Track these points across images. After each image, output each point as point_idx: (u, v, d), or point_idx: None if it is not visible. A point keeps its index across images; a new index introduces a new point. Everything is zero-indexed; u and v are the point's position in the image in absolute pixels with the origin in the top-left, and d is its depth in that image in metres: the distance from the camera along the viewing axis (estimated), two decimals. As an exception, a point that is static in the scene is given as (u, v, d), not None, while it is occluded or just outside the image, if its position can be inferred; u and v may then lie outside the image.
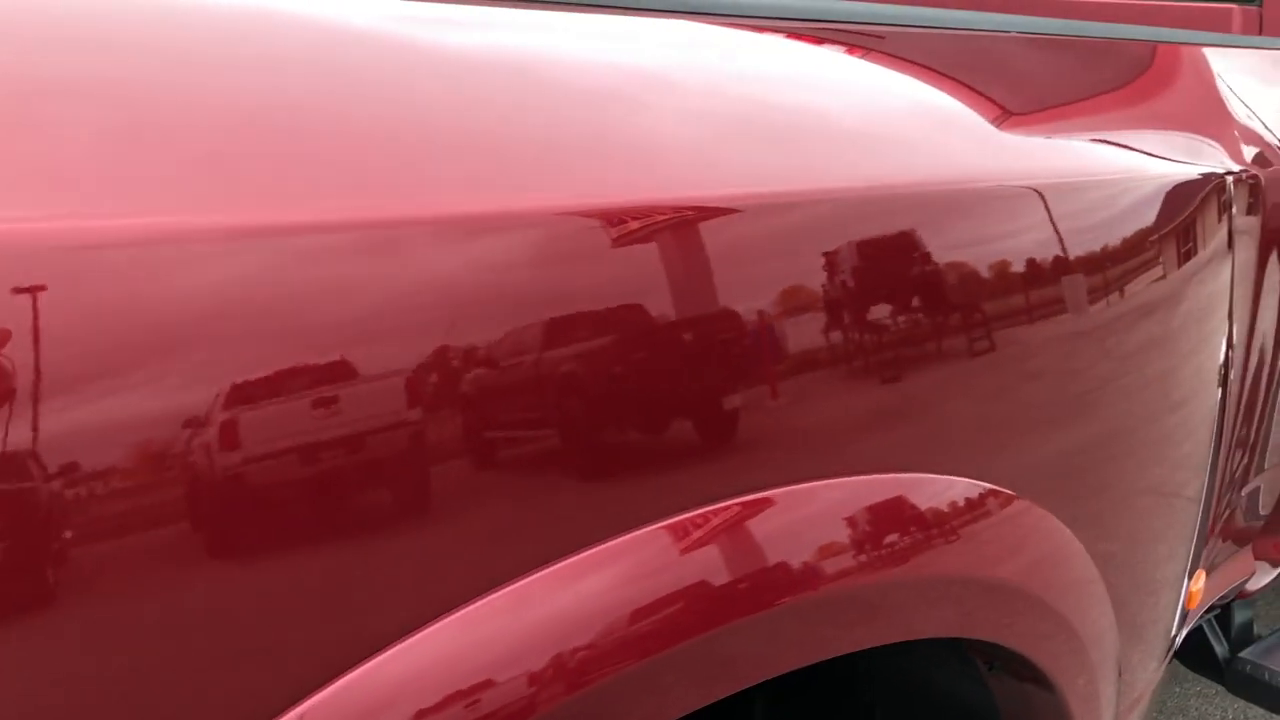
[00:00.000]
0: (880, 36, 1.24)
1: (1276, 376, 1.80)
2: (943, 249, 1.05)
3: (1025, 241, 1.14)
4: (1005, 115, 1.25)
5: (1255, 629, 2.28)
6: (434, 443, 0.75)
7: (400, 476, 0.74)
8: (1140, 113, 1.48)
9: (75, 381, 0.62)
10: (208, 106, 0.73)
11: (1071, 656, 1.26)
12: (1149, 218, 1.30)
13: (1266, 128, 1.71)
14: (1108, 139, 1.37)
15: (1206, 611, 2.09)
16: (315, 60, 0.80)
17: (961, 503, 1.09)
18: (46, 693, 0.63)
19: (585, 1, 1.00)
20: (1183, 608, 1.62)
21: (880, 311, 1.00)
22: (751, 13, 1.12)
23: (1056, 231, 1.17)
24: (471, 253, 0.77)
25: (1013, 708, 1.32)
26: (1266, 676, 2.08)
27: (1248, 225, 1.55)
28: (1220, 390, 1.53)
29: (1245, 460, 1.80)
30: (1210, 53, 1.66)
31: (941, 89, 1.24)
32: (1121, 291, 1.25)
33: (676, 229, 0.86)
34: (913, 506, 1.05)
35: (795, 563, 0.96)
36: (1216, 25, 2.08)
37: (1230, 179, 1.48)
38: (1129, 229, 1.27)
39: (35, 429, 0.61)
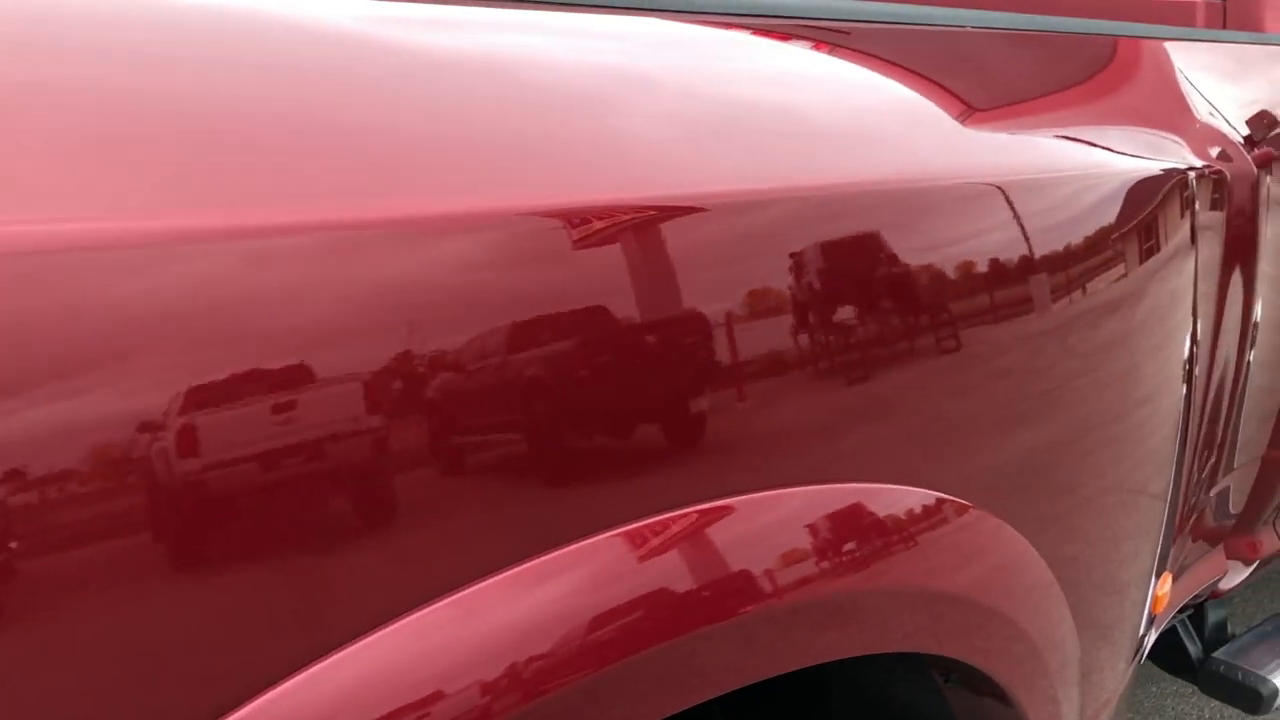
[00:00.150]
0: (846, 32, 1.22)
1: (1243, 373, 1.79)
2: (905, 251, 1.04)
3: (988, 242, 1.13)
4: (967, 112, 1.24)
5: (1230, 628, 2.28)
6: (384, 447, 0.74)
7: (348, 481, 0.73)
8: (1103, 109, 1.47)
9: (23, 385, 0.62)
10: (164, 109, 0.72)
11: (1028, 666, 1.25)
12: (1110, 215, 1.29)
13: (1229, 124, 1.70)
14: (1071, 135, 1.36)
15: (1180, 611, 2.08)
16: (271, 61, 0.79)
17: (915, 513, 1.07)
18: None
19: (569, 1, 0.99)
20: (1149, 612, 1.61)
21: (837, 316, 0.98)
22: (717, 9, 1.11)
23: (1020, 230, 1.15)
24: (429, 255, 0.76)
25: (971, 720, 1.31)
26: (1240, 676, 2.07)
27: (1211, 221, 1.54)
28: (1185, 386, 1.52)
29: (1214, 459, 1.79)
30: (1173, 47, 1.65)
31: (906, 85, 1.22)
32: (1084, 289, 1.24)
33: (637, 231, 0.85)
34: (865, 518, 1.03)
35: (744, 576, 0.94)
36: (1180, 19, 2.07)
37: (1193, 175, 1.47)
38: (1091, 226, 1.26)
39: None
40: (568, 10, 0.99)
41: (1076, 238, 1.24)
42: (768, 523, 0.95)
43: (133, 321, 0.65)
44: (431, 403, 0.75)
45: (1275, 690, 2.03)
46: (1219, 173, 1.55)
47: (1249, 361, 1.80)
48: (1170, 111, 1.57)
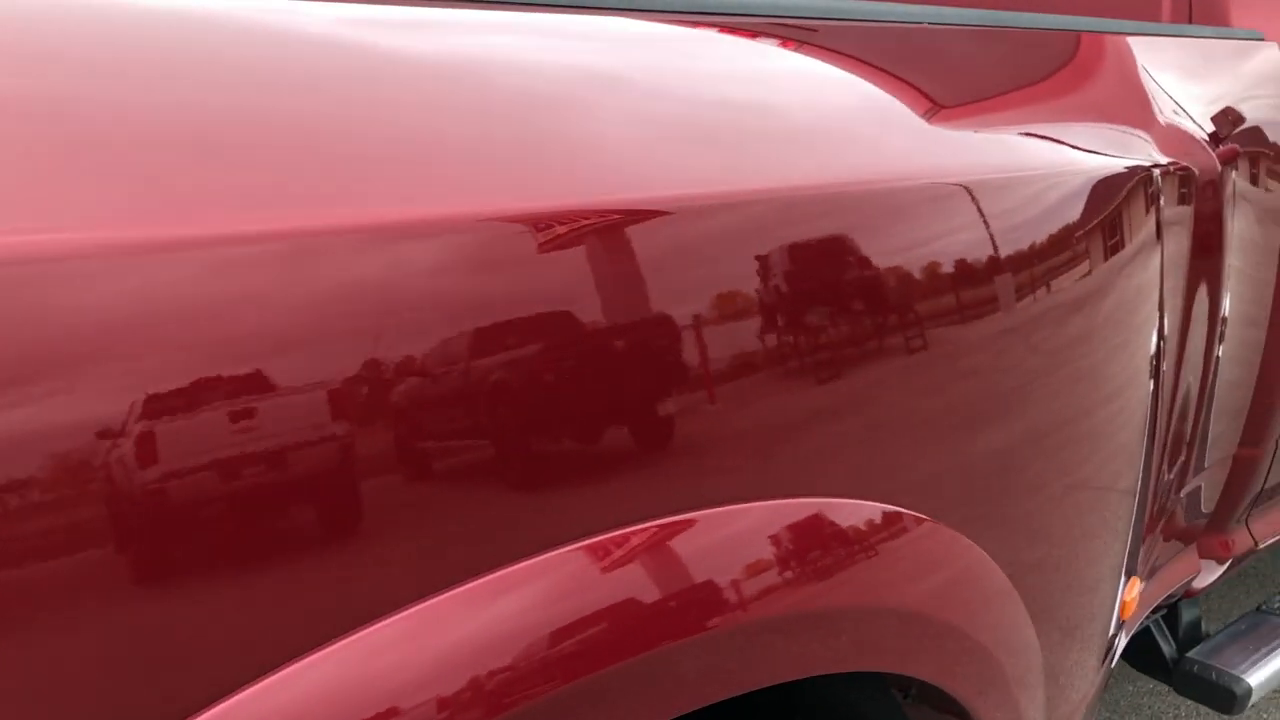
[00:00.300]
0: (813, 30, 1.20)
1: (1212, 368, 1.79)
2: (867, 256, 1.02)
3: (953, 243, 1.11)
4: (932, 110, 1.22)
5: (1204, 626, 2.27)
6: (339, 457, 0.72)
7: (301, 491, 0.72)
8: (1067, 105, 1.46)
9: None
10: (123, 116, 0.70)
11: (985, 678, 1.23)
12: (1074, 213, 1.27)
13: (1194, 120, 1.69)
14: (1036, 132, 1.34)
15: (1154, 611, 2.08)
16: (231, 66, 0.77)
17: (866, 529, 1.06)
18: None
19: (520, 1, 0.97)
20: (1118, 617, 1.60)
21: (794, 323, 0.96)
22: (685, 8, 1.09)
23: (986, 231, 1.14)
24: (385, 263, 0.74)
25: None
26: (1214, 676, 2.07)
27: (1177, 217, 1.53)
28: (1153, 382, 1.51)
29: (1184, 457, 1.79)
30: (1137, 42, 1.64)
31: (873, 83, 1.20)
32: (1048, 288, 1.23)
33: (600, 238, 0.84)
34: (814, 536, 1.01)
35: (684, 598, 0.91)
36: (1146, 13, 2.07)
37: (1157, 172, 1.45)
38: (1055, 225, 1.25)
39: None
40: (531, 10, 0.97)
41: (1041, 237, 1.22)
42: (709, 543, 0.93)
43: (95, 328, 0.64)
44: (387, 415, 0.74)
45: (1249, 690, 2.02)
46: (1184, 169, 1.54)
47: (1218, 356, 1.80)
48: (1135, 107, 1.55)
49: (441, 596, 0.77)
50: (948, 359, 1.11)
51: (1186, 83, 1.72)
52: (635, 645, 0.87)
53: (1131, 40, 1.63)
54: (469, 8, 0.94)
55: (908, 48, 1.30)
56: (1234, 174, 1.74)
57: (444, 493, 0.77)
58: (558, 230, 0.81)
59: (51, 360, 0.63)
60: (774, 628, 0.98)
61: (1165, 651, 2.17)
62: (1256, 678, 2.05)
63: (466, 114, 0.84)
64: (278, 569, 0.71)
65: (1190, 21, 2.05)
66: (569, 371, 0.82)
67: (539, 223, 0.80)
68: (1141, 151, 1.47)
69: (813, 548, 1.00)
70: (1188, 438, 1.77)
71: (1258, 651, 2.14)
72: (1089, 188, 1.31)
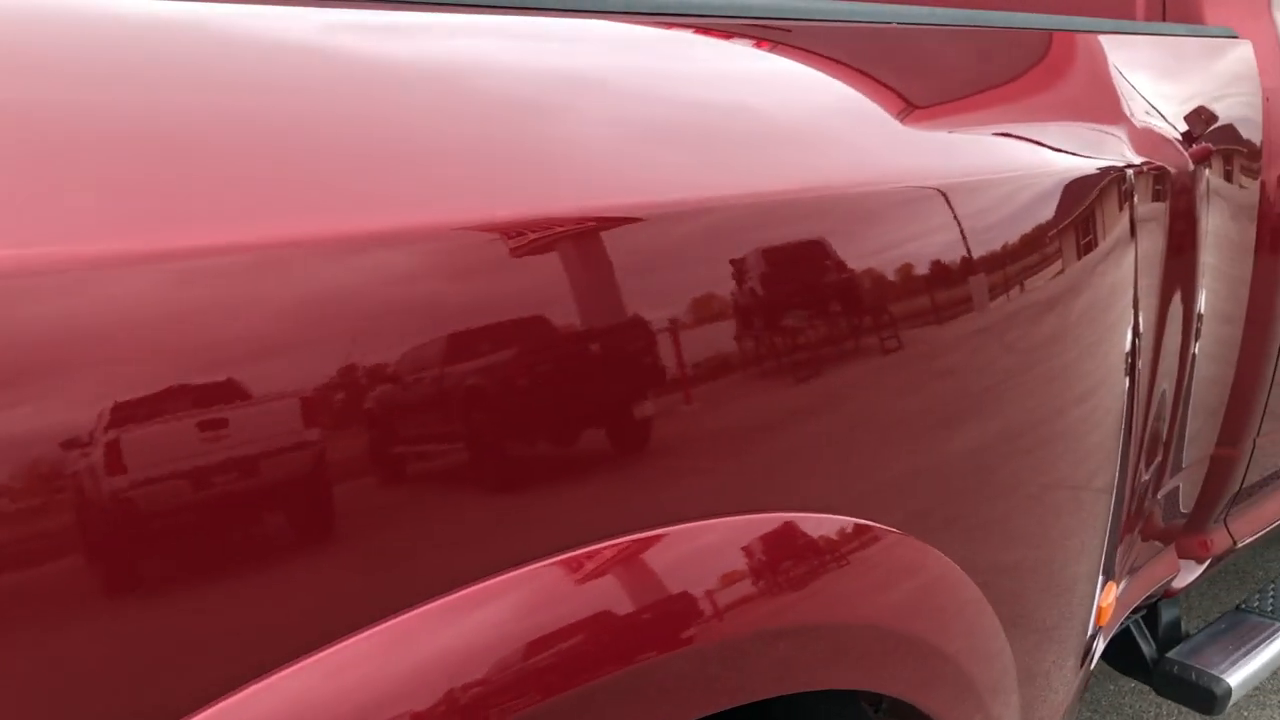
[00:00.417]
0: (787, 30, 1.19)
1: (1189, 365, 1.78)
2: (832, 264, 1.01)
3: (925, 246, 1.10)
4: (905, 110, 1.21)
5: (1184, 626, 2.27)
6: (308, 469, 0.71)
7: (270, 503, 0.70)
8: (1038, 105, 1.45)
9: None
10: (89, 126, 0.69)
11: (954, 690, 1.22)
12: (1048, 213, 1.26)
13: (1166, 119, 1.68)
14: (1009, 132, 1.33)
15: (1133, 611, 2.07)
16: (201, 72, 0.76)
17: (831, 544, 1.04)
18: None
19: (479, 2, 0.95)
20: (1095, 623, 1.59)
21: (758, 333, 0.95)
22: (658, 9, 1.07)
23: (959, 234, 1.13)
24: (338, 278, 0.72)
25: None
26: (1194, 677, 2.06)
27: (1150, 216, 1.52)
28: (1128, 379, 1.50)
29: (1162, 458, 1.78)
30: (1109, 40, 1.63)
31: (844, 85, 1.19)
32: (1022, 288, 1.22)
33: (568, 247, 0.82)
34: (782, 550, 0.99)
35: (648, 618, 0.89)
36: (1120, 10, 2.06)
37: (1130, 171, 1.44)
38: (1027, 226, 1.24)
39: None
40: (500, 13, 0.96)
41: (1013, 238, 1.21)
42: (673, 561, 0.91)
43: (63, 340, 0.63)
44: (358, 429, 0.73)
45: (1229, 690, 2.02)
46: (1157, 169, 1.53)
47: (1194, 354, 1.79)
48: (1107, 107, 1.54)
49: (408, 614, 0.76)
50: (920, 361, 1.10)
51: (1159, 82, 1.72)
52: (599, 666, 0.85)
53: (1103, 39, 1.62)
54: (439, 11, 0.92)
55: (879, 48, 1.29)
56: (1207, 173, 1.73)
57: (414, 507, 0.76)
58: (520, 243, 0.80)
59: (22, 369, 0.62)
60: (738, 647, 0.96)
61: (1145, 652, 2.16)
62: (1236, 678, 2.05)
63: (438, 121, 0.83)
64: (246, 582, 0.69)
65: (1164, 19, 2.04)
66: (533, 384, 0.81)
67: (497, 240, 0.79)
68: (1114, 151, 1.46)
69: (778, 564, 0.98)
70: (1165, 437, 1.77)
71: (1238, 651, 2.13)
72: (1061, 188, 1.30)
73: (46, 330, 0.62)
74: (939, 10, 1.37)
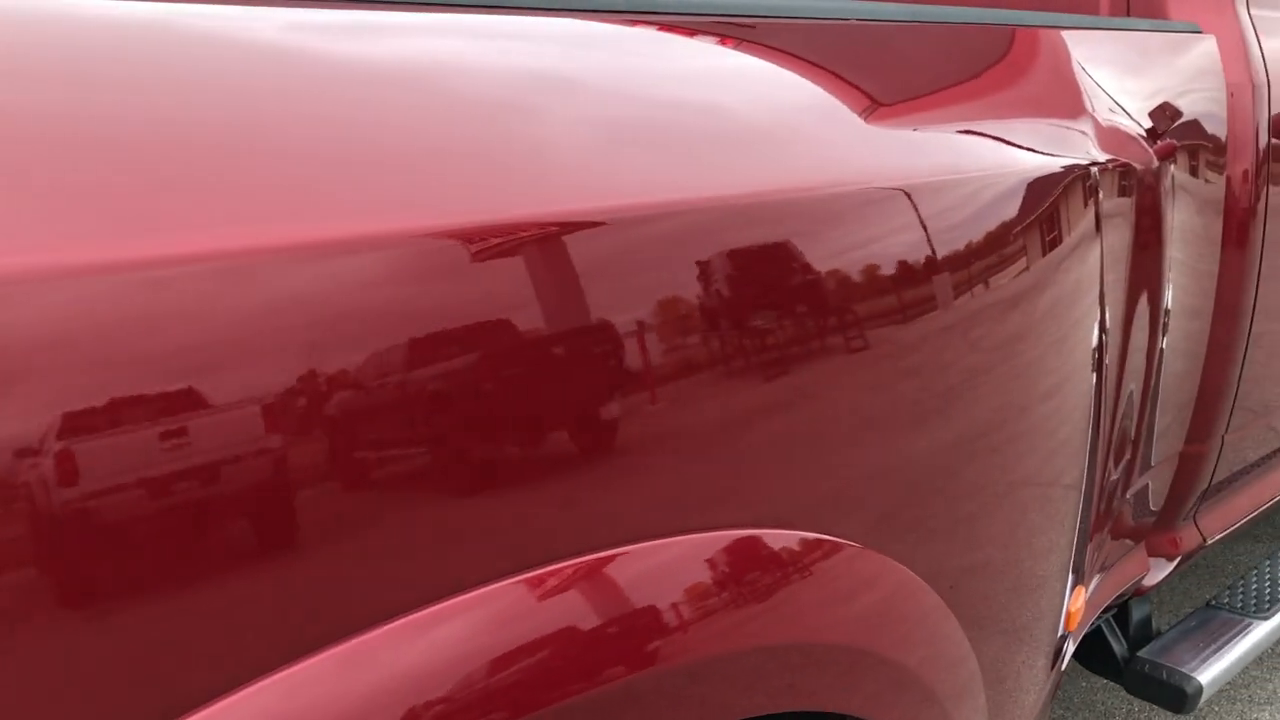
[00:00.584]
0: (752, 27, 1.17)
1: (1156, 360, 1.77)
2: (791, 271, 0.99)
3: (888, 247, 1.09)
4: (867, 109, 1.19)
5: (1154, 623, 2.26)
6: (260, 486, 0.69)
7: (222, 520, 0.68)
8: (1001, 102, 1.43)
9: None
10: (47, 131, 0.66)
11: (918, 703, 1.20)
12: (1011, 212, 1.25)
13: (1130, 116, 1.67)
14: (973, 130, 1.31)
15: (1104, 611, 2.06)
16: (161, 75, 0.73)
17: (786, 559, 1.01)
18: None
19: (437, 1, 0.93)
20: (1064, 628, 1.58)
21: (713, 342, 0.93)
22: (622, 7, 1.05)
23: (923, 234, 1.12)
24: (296, 286, 0.70)
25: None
26: (1164, 676, 2.06)
27: (1116, 211, 1.51)
28: (1095, 375, 1.49)
29: (1130, 456, 1.77)
30: (1072, 36, 1.62)
31: (809, 82, 1.17)
32: (986, 286, 1.20)
33: (536, 253, 0.80)
34: (733, 570, 0.97)
35: (586, 646, 0.87)
36: (1083, 6, 2.05)
37: (1095, 169, 1.43)
38: (991, 225, 1.22)
39: None
40: (460, 11, 0.93)
41: (977, 237, 1.20)
42: (621, 585, 0.89)
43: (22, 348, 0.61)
44: (306, 447, 0.70)
45: (1200, 688, 2.01)
46: (1122, 166, 1.52)
47: (1162, 349, 1.78)
48: (1070, 103, 1.53)
49: (363, 637, 0.74)
50: (884, 362, 1.08)
51: (1123, 77, 1.71)
52: (550, 691, 0.83)
53: (1067, 34, 1.61)
54: (398, 11, 0.90)
55: (841, 44, 1.27)
56: (1173, 168, 1.73)
57: (365, 525, 0.74)
58: (475, 252, 0.78)
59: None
60: (685, 676, 0.94)
61: (1116, 651, 2.16)
62: (1207, 675, 2.04)
63: (396, 123, 0.81)
64: (200, 600, 0.67)
65: (1128, 14, 2.04)
66: (484, 398, 0.79)
67: (454, 248, 0.77)
68: (1078, 148, 1.44)
69: (730, 585, 0.96)
70: (1133, 434, 1.76)
71: (1208, 648, 2.13)
72: (1025, 187, 1.28)
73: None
74: (900, 6, 1.35)
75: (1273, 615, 2.25)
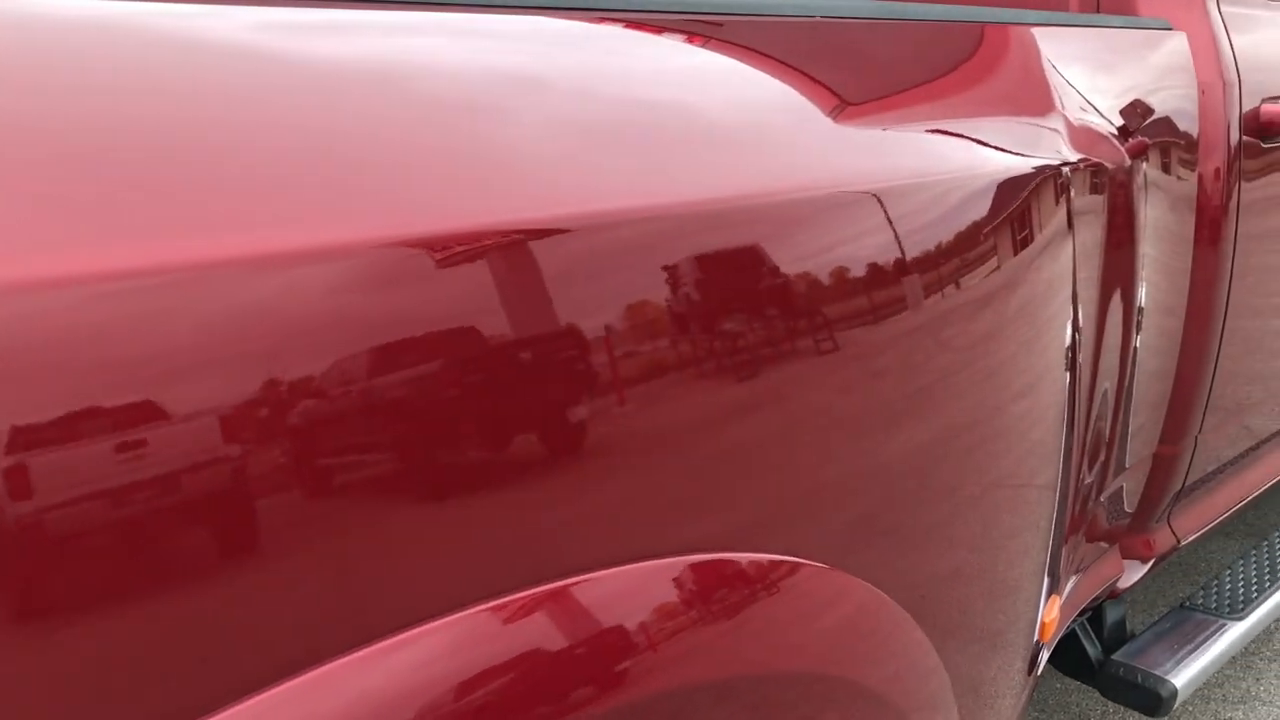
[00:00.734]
0: (720, 24, 1.14)
1: (1130, 357, 1.76)
2: (760, 274, 0.96)
3: (858, 249, 1.06)
4: (836, 109, 1.16)
5: (1129, 625, 2.26)
6: (214, 504, 0.66)
7: (174, 541, 0.65)
8: (971, 100, 1.41)
9: None
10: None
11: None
12: (981, 212, 1.23)
13: (1101, 114, 1.66)
14: (943, 129, 1.29)
15: (1079, 614, 2.05)
16: (111, 77, 0.70)
17: (742, 583, 0.98)
18: None
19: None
20: (1038, 638, 1.56)
21: (669, 352, 0.90)
22: (586, 4, 1.02)
23: (892, 235, 1.09)
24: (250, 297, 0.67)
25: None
26: (1139, 679, 2.05)
27: (1088, 209, 1.50)
28: (1068, 374, 1.48)
29: (1105, 457, 1.76)
30: (1042, 33, 1.60)
31: (777, 82, 1.14)
32: (958, 285, 1.18)
33: (501, 260, 0.77)
34: (686, 598, 0.93)
35: (523, 686, 0.83)
36: (1053, 3, 2.04)
37: (1066, 168, 1.41)
38: (961, 225, 1.20)
39: None
40: (422, 9, 0.90)
41: (949, 238, 1.18)
42: (559, 621, 0.85)
43: None
44: (262, 469, 0.67)
45: (1174, 691, 2.00)
46: (1094, 164, 1.51)
47: (1136, 347, 1.77)
48: (1041, 102, 1.51)
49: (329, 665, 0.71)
50: (854, 364, 1.05)
51: (1093, 75, 1.69)
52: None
53: (1036, 31, 1.59)
54: (358, 9, 0.87)
55: (809, 42, 1.24)
56: (1144, 166, 1.71)
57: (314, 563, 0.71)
58: (439, 259, 0.75)
59: None
60: (638, 710, 0.90)
61: (1090, 653, 2.15)
62: (1181, 679, 2.04)
63: (359, 127, 0.78)
64: (161, 626, 0.64)
65: (1098, 11, 2.02)
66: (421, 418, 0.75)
67: (406, 259, 0.74)
68: (1049, 147, 1.43)
69: (680, 614, 0.92)
70: (1108, 434, 1.74)
71: (1183, 650, 2.13)
72: (996, 186, 1.26)
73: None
74: (868, 3, 1.33)
75: (1247, 616, 2.25)
